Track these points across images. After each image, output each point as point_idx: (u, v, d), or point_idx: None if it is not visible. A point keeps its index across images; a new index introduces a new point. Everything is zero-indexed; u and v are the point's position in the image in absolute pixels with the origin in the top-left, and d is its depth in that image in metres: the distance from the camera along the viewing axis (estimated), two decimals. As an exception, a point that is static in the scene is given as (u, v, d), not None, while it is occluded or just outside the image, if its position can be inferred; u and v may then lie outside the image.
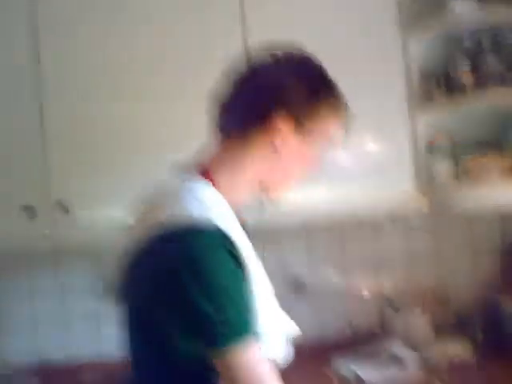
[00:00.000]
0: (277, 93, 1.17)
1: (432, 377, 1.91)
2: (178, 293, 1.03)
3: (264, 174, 1.20)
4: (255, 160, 1.19)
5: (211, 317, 1.02)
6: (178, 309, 1.04)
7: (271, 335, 1.13)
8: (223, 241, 1.06)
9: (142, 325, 1.12)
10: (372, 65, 2.00)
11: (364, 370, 1.99)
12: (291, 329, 1.23)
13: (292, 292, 2.22)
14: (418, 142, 2.09)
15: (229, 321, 1.03)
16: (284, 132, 1.16)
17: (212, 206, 1.11)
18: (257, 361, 1.05)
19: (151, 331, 1.10)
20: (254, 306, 1.08)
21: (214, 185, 1.15)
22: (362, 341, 2.18)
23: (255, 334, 1.06)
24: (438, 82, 2.05)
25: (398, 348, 2.07)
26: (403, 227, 2.34)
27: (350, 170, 2.01)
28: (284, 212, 1.91)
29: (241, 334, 1.04)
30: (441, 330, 2.20)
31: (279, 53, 1.21)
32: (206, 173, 1.17)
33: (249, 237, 1.19)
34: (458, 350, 2.08)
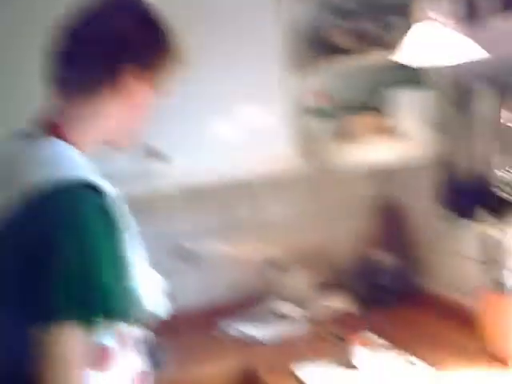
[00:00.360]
0: (119, 44, 1.15)
1: (318, 329, 2.00)
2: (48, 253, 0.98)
3: (115, 126, 1.18)
4: (105, 113, 1.16)
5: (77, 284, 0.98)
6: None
7: (146, 292, 1.11)
8: (102, 202, 1.03)
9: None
10: (247, 28, 1.99)
11: (252, 329, 2.04)
12: (165, 287, 1.21)
13: (179, 260, 2.22)
14: (297, 103, 2.12)
15: (69, 299, 0.98)
16: (130, 83, 1.15)
17: (82, 164, 1.08)
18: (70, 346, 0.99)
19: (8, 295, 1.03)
20: (123, 268, 1.05)
21: (67, 142, 1.11)
22: (250, 303, 2.22)
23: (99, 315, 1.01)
24: (315, 44, 2.06)
25: (285, 306, 2.15)
26: (285, 189, 2.41)
27: (230, 136, 2.02)
28: (168, 180, 1.90)
29: (91, 311, 1.00)
30: (324, 286, 2.30)
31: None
32: (57, 130, 1.12)
33: None
34: (341, 303, 2.18)
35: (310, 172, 2.16)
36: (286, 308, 2.15)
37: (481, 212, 1.73)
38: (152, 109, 1.23)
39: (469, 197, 1.77)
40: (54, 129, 1.12)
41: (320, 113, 2.11)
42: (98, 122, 1.16)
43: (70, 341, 0.99)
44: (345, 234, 2.37)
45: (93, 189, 1.03)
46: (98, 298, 1.00)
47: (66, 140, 1.11)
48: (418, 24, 1.47)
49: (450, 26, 1.42)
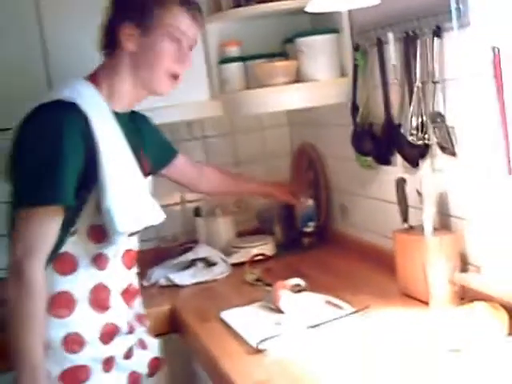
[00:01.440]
0: (116, 7, 1.47)
1: (242, 274, 2.05)
2: (19, 150, 1.35)
3: (135, 74, 1.47)
4: (126, 65, 1.46)
5: (33, 174, 1.32)
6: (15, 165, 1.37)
7: (121, 204, 1.39)
8: (74, 116, 1.34)
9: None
10: None
11: (176, 275, 2.07)
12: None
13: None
14: (210, 51, 2.15)
15: (38, 184, 1.32)
16: (132, 37, 1.43)
17: (82, 94, 1.39)
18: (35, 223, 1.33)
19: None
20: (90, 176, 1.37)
21: (97, 87, 1.46)
22: (173, 251, 2.25)
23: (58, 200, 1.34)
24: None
25: (207, 252, 2.18)
26: (201, 135, 2.43)
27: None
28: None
29: (43, 198, 1.33)
30: (245, 231, 2.36)
31: None
32: (93, 79, 1.48)
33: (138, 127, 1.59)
34: (262, 248, 2.23)
35: (224, 115, 2.18)
36: (210, 253, 2.18)
37: (395, 157, 1.79)
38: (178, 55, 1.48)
39: (384, 142, 1.82)
40: (90, 75, 1.50)
41: (232, 60, 2.13)
42: (120, 75, 1.48)
43: (27, 223, 1.34)
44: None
45: (75, 111, 1.35)
46: (47, 186, 1.32)
47: (94, 83, 1.46)
48: None
49: None
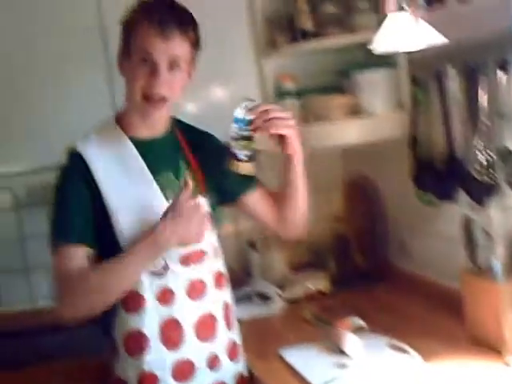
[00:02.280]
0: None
1: (296, 308, 2.03)
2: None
3: (130, 104, 1.48)
4: (126, 94, 1.48)
5: (50, 221, 1.44)
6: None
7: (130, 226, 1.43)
8: (76, 164, 1.44)
9: None
10: (218, 14, 2.03)
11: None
12: None
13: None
14: (267, 86, 2.16)
15: (53, 226, 1.44)
16: (123, 64, 1.46)
17: (94, 139, 1.48)
18: (59, 260, 1.41)
19: None
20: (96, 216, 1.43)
21: (119, 122, 1.51)
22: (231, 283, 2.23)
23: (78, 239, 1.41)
24: (282, 28, 2.08)
25: (263, 286, 2.17)
26: (258, 168, 2.40)
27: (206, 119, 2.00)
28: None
29: (57, 237, 1.42)
30: (301, 266, 2.33)
31: None
32: (118, 116, 1.53)
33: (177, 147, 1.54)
34: (315, 282, 2.20)
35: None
36: (266, 288, 2.17)
37: (460, 194, 1.74)
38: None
39: (447, 178, 1.78)
40: (117, 116, 1.55)
41: (289, 94, 2.13)
42: (126, 103, 1.51)
43: (55, 259, 1.42)
44: (319, 213, 2.38)
45: (76, 158, 1.45)
46: (59, 227, 1.44)
47: (118, 116, 1.53)
48: (390, 15, 1.53)
49: (418, 14, 1.48)
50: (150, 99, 1.41)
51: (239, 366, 1.57)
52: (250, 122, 1.41)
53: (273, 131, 1.42)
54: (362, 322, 1.75)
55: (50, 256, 1.43)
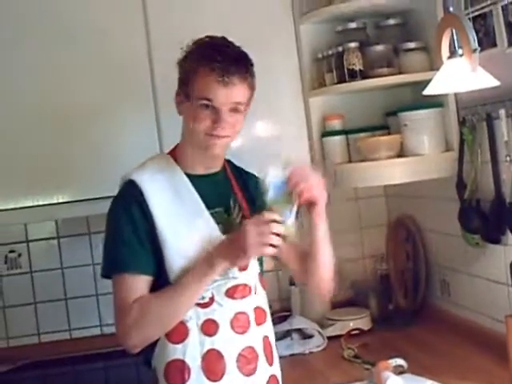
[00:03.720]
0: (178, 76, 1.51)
1: (336, 347, 2.02)
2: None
3: (190, 141, 1.51)
4: (184, 132, 1.53)
5: (104, 251, 1.47)
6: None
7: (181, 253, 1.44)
8: (131, 192, 1.46)
9: None
10: (267, 51, 2.06)
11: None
12: None
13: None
14: (313, 124, 2.18)
15: (109, 256, 1.46)
16: (181, 103, 1.49)
17: (149, 169, 1.51)
18: (120, 291, 1.43)
19: None
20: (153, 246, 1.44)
21: (174, 157, 1.54)
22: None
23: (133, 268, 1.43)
24: (329, 66, 2.11)
25: (303, 324, 2.15)
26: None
27: (250, 155, 2.02)
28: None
29: (119, 268, 1.43)
30: (341, 304, 2.32)
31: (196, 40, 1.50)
32: (172, 152, 1.56)
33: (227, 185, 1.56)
34: (356, 321, 2.18)
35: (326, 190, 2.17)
36: (306, 325, 2.15)
37: (507, 235, 1.73)
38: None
39: (492, 220, 1.77)
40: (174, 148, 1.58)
41: (335, 133, 2.15)
42: (182, 140, 1.54)
43: (116, 289, 1.44)
44: (362, 252, 2.39)
45: (132, 187, 1.46)
46: (119, 257, 1.44)
47: (173, 151, 1.56)
48: (447, 61, 1.56)
49: (474, 59, 1.48)
50: (214, 135, 1.46)
51: None
52: (285, 182, 1.40)
53: (306, 197, 1.42)
54: (403, 363, 1.73)
55: (112, 285, 1.45)
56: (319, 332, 2.13)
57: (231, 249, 1.41)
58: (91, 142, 2.08)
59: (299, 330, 2.14)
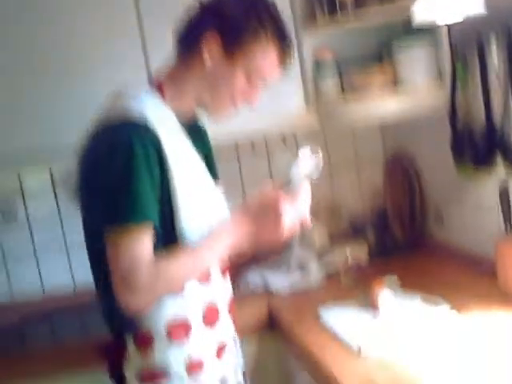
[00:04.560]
0: (215, 18, 1.32)
1: (334, 277, 2.08)
2: (99, 175, 1.26)
3: (200, 90, 1.36)
4: (194, 76, 1.35)
5: (110, 197, 1.24)
6: (97, 188, 1.26)
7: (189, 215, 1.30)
8: (147, 133, 1.25)
9: (84, 218, 1.35)
10: None
11: (272, 278, 2.11)
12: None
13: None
14: (305, 62, 2.16)
15: (120, 205, 1.23)
16: (214, 52, 1.32)
17: (148, 107, 1.30)
18: (127, 246, 1.23)
19: (87, 223, 1.35)
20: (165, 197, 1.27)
21: (162, 95, 1.36)
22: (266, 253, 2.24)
23: (146, 222, 1.24)
24: (321, 3, 2.09)
25: (302, 256, 2.20)
26: (297, 145, 2.44)
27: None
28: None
29: (125, 219, 1.23)
30: (337, 237, 2.37)
31: None
32: (158, 85, 1.37)
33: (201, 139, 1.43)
34: (354, 253, 2.23)
35: (320, 127, 2.19)
36: (305, 257, 2.20)
37: (498, 161, 1.75)
38: (249, 92, 1.37)
39: (485, 147, 1.78)
40: (156, 82, 1.38)
41: (328, 69, 2.13)
42: (188, 86, 1.36)
43: (123, 242, 1.23)
44: (357, 186, 2.42)
45: (142, 127, 1.25)
46: (127, 205, 1.23)
47: (160, 92, 1.35)
48: None
49: None
50: (237, 106, 1.38)
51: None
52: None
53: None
54: (396, 280, 1.78)
55: (113, 238, 1.24)
56: (318, 263, 2.18)
57: (262, 230, 1.33)
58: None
59: (298, 261, 2.18)
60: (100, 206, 1.26)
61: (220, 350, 1.41)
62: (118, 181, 1.23)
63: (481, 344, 1.40)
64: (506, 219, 1.67)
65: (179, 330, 1.34)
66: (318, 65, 2.17)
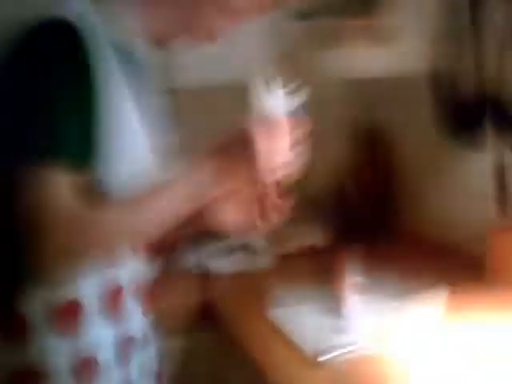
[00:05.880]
0: None
1: (287, 264, 1.91)
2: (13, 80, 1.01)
3: (178, 17, 1.18)
4: None
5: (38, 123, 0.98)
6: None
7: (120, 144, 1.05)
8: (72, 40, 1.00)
9: None
10: None
11: (211, 262, 1.93)
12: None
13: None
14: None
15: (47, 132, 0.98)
16: None
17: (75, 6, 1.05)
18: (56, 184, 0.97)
19: None
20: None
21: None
22: (207, 234, 1.98)
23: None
24: None
25: (249, 238, 2.01)
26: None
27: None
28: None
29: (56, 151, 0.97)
30: (298, 219, 2.15)
31: None
32: None
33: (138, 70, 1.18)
34: (312, 237, 2.07)
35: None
36: (252, 240, 2.01)
37: (492, 137, 1.57)
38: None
39: (477, 119, 1.60)
40: None
41: (299, 15, 1.96)
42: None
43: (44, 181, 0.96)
44: (321, 162, 2.18)
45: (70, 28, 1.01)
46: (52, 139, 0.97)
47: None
48: None
49: None
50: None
51: None
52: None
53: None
54: (363, 280, 1.58)
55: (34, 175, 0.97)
56: (268, 248, 1.98)
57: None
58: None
59: (244, 246, 1.99)
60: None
61: (123, 347, 1.12)
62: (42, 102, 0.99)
63: (466, 341, 1.28)
64: (501, 205, 1.45)
65: (65, 316, 1.04)
66: (288, 9, 1.95)
